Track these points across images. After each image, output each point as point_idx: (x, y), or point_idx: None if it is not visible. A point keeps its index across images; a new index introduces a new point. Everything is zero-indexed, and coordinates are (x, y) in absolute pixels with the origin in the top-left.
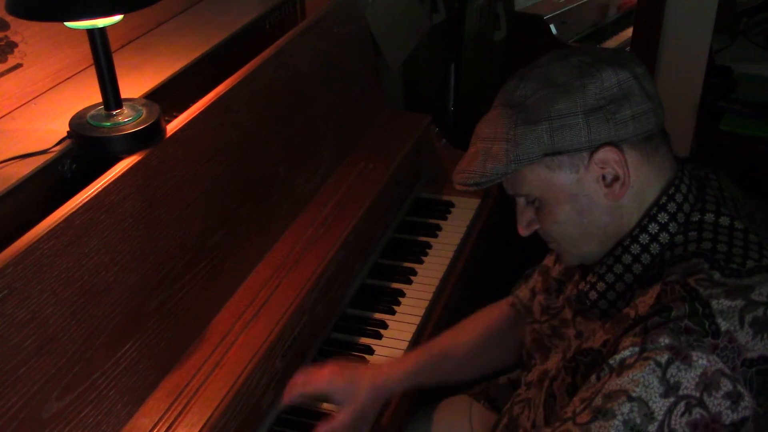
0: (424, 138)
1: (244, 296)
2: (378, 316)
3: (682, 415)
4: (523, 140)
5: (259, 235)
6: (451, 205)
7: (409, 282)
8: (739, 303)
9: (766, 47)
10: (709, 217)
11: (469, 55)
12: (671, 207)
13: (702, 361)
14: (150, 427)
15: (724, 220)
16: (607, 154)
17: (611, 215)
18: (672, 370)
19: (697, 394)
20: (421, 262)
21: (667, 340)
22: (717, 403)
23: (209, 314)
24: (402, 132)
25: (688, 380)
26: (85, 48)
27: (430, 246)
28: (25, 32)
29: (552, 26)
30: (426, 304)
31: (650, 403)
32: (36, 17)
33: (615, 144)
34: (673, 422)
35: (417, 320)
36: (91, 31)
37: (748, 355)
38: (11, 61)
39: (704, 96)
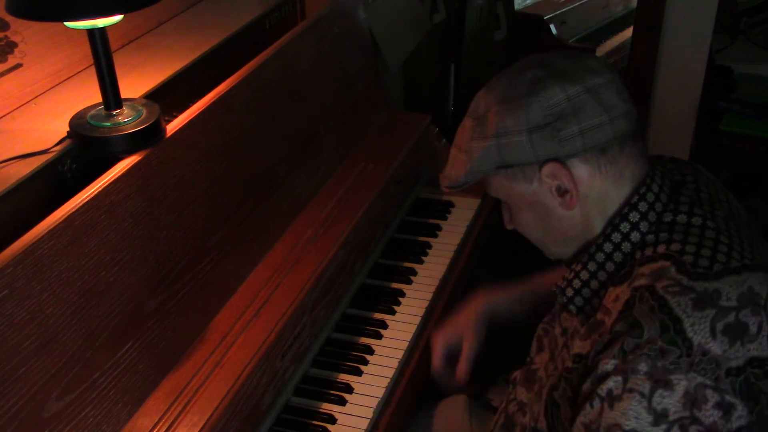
0: (424, 138)
1: (244, 296)
2: (378, 316)
3: None
4: (476, 153)
5: (259, 235)
6: (451, 205)
7: (409, 282)
8: (710, 312)
9: (766, 47)
10: (682, 218)
11: (469, 55)
12: (642, 206)
13: (683, 382)
14: (150, 427)
15: (696, 220)
16: (552, 169)
17: (570, 222)
18: (657, 398)
19: (687, 414)
20: (421, 262)
21: (645, 368)
22: (708, 414)
23: (209, 314)
24: (402, 132)
25: (673, 404)
26: (85, 48)
27: (430, 246)
28: (25, 32)
29: (552, 26)
30: (426, 304)
31: None
32: (36, 17)
33: (560, 160)
34: None
35: (417, 320)
36: (91, 31)
37: (732, 365)
38: (11, 61)
39: (704, 96)
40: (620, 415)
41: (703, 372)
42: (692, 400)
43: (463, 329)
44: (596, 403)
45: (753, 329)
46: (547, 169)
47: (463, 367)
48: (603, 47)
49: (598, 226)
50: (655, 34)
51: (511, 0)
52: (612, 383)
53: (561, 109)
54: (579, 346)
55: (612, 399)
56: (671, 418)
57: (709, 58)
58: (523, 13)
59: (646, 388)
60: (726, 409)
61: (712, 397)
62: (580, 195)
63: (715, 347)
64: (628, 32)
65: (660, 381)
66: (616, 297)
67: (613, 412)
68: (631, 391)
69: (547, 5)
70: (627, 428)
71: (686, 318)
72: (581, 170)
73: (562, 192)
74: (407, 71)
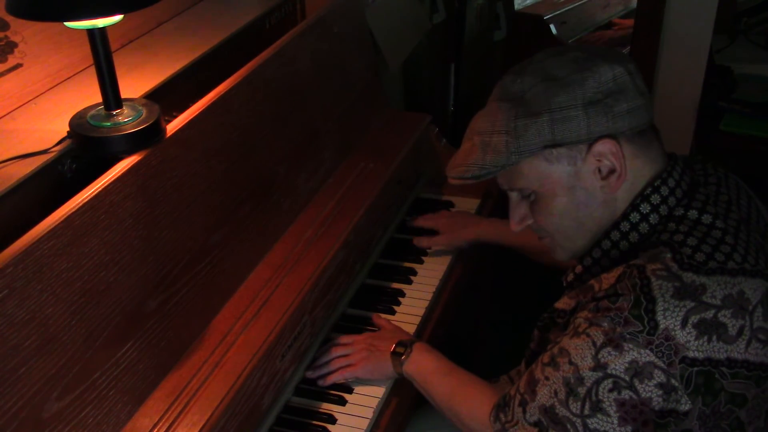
0: (424, 138)
1: (244, 296)
2: None
3: (610, 391)
4: (524, 132)
5: (259, 235)
6: (451, 205)
7: (409, 282)
8: (688, 303)
9: (766, 47)
10: (693, 214)
11: (469, 55)
12: (655, 198)
13: (632, 352)
14: (150, 427)
15: (706, 218)
16: (605, 146)
17: (606, 208)
18: (603, 353)
19: (627, 378)
20: (421, 262)
21: (605, 325)
22: (648, 390)
23: (209, 314)
24: (402, 132)
25: (616, 364)
26: (85, 48)
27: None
28: (25, 32)
29: (552, 26)
30: (426, 304)
31: (581, 371)
32: (36, 17)
33: (613, 136)
34: (600, 393)
35: (417, 320)
36: (91, 31)
37: (690, 354)
38: (11, 61)
39: (704, 96)
40: (573, 347)
41: (659, 354)
42: (636, 371)
43: (455, 236)
44: (569, 328)
45: (732, 331)
46: (599, 146)
47: (424, 241)
48: None
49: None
50: (655, 34)
51: (511, 0)
52: (581, 320)
53: (609, 87)
54: (563, 303)
55: (575, 332)
56: (608, 371)
57: (709, 58)
58: (523, 13)
59: (599, 340)
60: (667, 390)
61: (659, 376)
62: (625, 176)
63: (681, 336)
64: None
65: (612, 341)
66: (611, 271)
67: (572, 341)
68: (588, 335)
69: (547, 5)
70: (572, 360)
71: (662, 302)
72: (628, 149)
73: (605, 174)
74: (407, 71)
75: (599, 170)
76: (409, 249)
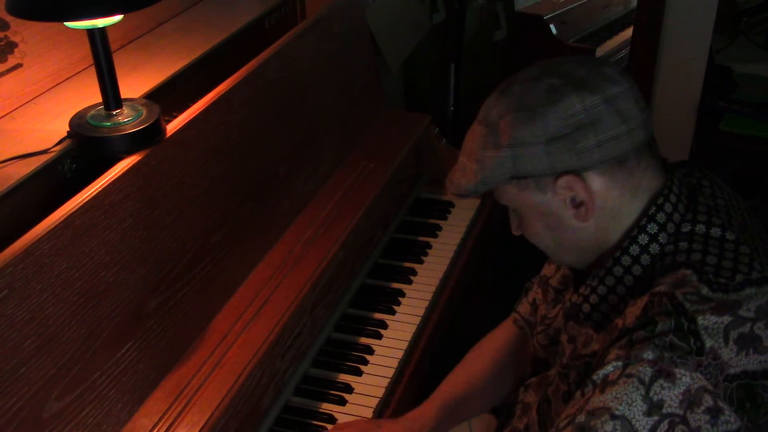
0: (424, 138)
1: (244, 296)
2: (378, 316)
3: None
4: (489, 163)
5: (259, 235)
6: (451, 205)
7: (409, 282)
8: (726, 319)
9: (766, 47)
10: (700, 228)
11: (469, 55)
12: (660, 217)
13: (686, 378)
14: (150, 427)
15: (715, 232)
16: (568, 182)
17: (584, 233)
18: (656, 388)
19: (681, 412)
20: (421, 262)
21: (650, 356)
22: (697, 418)
23: (209, 314)
24: (402, 132)
25: (671, 398)
26: (85, 48)
27: (430, 246)
28: (25, 32)
29: (552, 26)
30: (426, 304)
31: (633, 422)
32: (36, 17)
33: (576, 172)
34: None
35: (417, 320)
36: (91, 31)
37: (731, 371)
38: (11, 61)
39: (704, 96)
40: (612, 398)
41: (708, 375)
42: (690, 400)
43: None
44: (588, 389)
45: (767, 342)
46: (563, 181)
47: None
48: (603, 47)
49: (613, 237)
50: (655, 34)
51: (511, 0)
52: (610, 368)
53: (578, 120)
54: (588, 349)
55: (606, 384)
56: (664, 411)
57: (709, 58)
58: (523, 13)
59: (647, 375)
60: (714, 413)
61: (706, 401)
62: (596, 207)
63: (725, 353)
64: (628, 32)
65: (663, 371)
66: (635, 303)
67: (604, 396)
68: (629, 376)
69: (547, 5)
70: (617, 413)
71: (701, 320)
72: (597, 183)
73: (576, 204)
74: (407, 71)
75: (570, 200)
76: (409, 249)
